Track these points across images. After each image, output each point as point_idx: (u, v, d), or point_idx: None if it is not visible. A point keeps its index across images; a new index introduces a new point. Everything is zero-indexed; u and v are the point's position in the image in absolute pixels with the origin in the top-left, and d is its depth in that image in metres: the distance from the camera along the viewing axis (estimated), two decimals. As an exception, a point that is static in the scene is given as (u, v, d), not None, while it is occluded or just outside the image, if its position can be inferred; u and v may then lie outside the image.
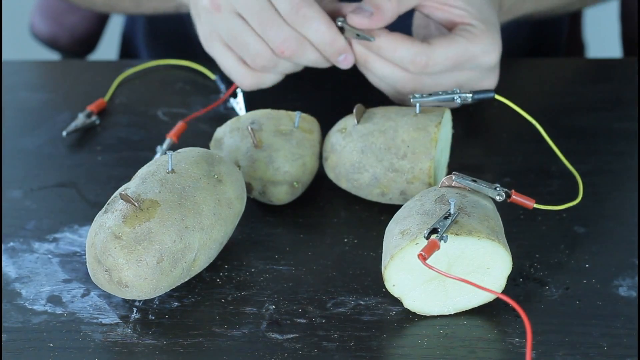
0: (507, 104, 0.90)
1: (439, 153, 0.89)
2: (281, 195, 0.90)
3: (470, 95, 0.89)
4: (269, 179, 0.89)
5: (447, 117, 0.91)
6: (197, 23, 0.98)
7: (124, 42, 1.42)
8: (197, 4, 0.96)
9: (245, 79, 0.97)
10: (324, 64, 0.95)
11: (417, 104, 0.89)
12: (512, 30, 1.14)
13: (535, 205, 0.83)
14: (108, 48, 1.60)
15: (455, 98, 0.89)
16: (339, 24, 0.93)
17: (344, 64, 0.94)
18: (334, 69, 1.00)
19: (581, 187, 0.89)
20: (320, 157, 0.93)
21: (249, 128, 0.89)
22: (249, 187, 0.90)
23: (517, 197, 0.83)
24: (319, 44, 0.93)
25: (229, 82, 1.04)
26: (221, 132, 0.93)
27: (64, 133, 1.01)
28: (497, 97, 0.89)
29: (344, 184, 0.90)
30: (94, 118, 1.04)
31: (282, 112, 0.92)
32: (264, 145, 0.90)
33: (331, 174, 0.91)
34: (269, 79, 0.97)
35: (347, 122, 0.91)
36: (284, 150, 0.90)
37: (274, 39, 0.92)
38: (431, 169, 0.87)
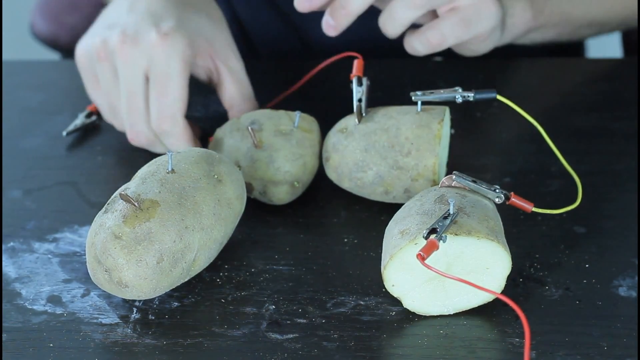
0: (507, 104, 0.90)
1: (441, 151, 0.89)
2: (282, 195, 0.90)
3: (472, 94, 0.89)
4: (269, 178, 0.89)
5: (447, 115, 0.91)
6: (82, 49, 0.97)
7: None
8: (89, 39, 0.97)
9: (117, 125, 0.98)
10: None
11: (419, 102, 0.89)
12: None
13: (534, 209, 0.84)
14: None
15: (456, 97, 0.89)
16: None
17: None
18: (333, 68, 1.00)
19: (580, 190, 0.89)
20: (320, 156, 0.93)
21: (249, 128, 0.89)
22: (249, 187, 0.90)
23: (516, 200, 0.83)
24: (168, 149, 0.94)
25: None
26: (221, 132, 0.93)
27: (64, 133, 1.01)
28: (499, 97, 0.90)
29: (346, 184, 0.90)
30: (94, 118, 1.04)
31: (282, 112, 0.92)
32: (264, 145, 0.90)
33: (333, 175, 0.91)
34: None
35: (348, 122, 0.91)
36: (284, 150, 0.90)
37: (129, 125, 0.94)
38: (435, 166, 0.87)
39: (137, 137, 0.94)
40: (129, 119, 0.94)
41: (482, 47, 1.00)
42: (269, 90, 1.02)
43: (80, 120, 1.03)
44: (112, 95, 0.96)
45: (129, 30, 0.93)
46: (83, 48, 0.97)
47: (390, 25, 0.95)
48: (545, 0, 1.04)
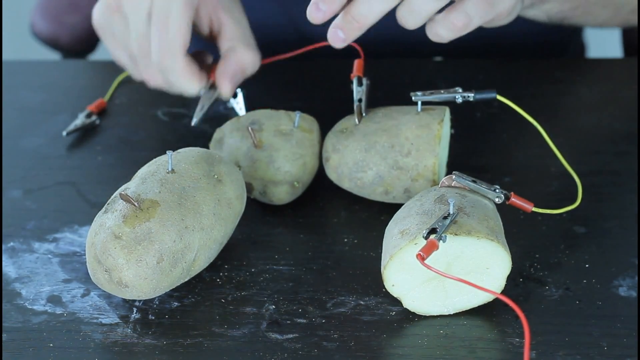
0: (507, 104, 0.90)
1: (441, 151, 0.89)
2: (282, 195, 0.90)
3: (472, 94, 0.89)
4: (269, 178, 0.89)
5: (447, 115, 0.91)
6: (96, 11, 0.98)
7: None
8: None
9: (136, 75, 0.99)
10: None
11: (419, 102, 0.89)
12: (515, 30, 1.14)
13: (534, 209, 0.84)
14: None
15: (456, 97, 0.89)
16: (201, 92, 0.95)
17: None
18: (333, 68, 1.00)
19: (580, 191, 0.89)
20: (320, 156, 0.93)
21: (249, 129, 0.89)
22: (249, 187, 0.90)
23: (516, 200, 0.83)
24: (179, 91, 0.96)
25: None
26: (221, 132, 0.93)
27: (64, 133, 1.01)
28: (499, 97, 0.89)
29: (346, 184, 0.90)
30: (94, 118, 1.04)
31: (282, 112, 0.92)
32: (264, 145, 0.90)
33: (333, 175, 0.91)
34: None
35: (348, 123, 0.91)
36: (284, 150, 0.90)
37: (142, 68, 0.95)
38: (435, 166, 0.87)
39: (152, 78, 0.95)
40: (142, 62, 0.95)
41: (504, 21, 0.97)
42: (269, 91, 1.02)
43: (80, 120, 1.03)
44: (128, 46, 0.96)
45: None
46: (97, 9, 0.98)
47: (411, 18, 0.90)
48: None
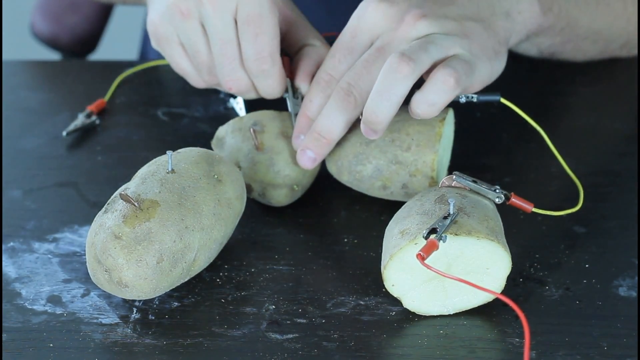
0: (507, 105, 0.90)
1: (442, 150, 0.90)
2: (281, 197, 0.90)
3: (476, 96, 0.89)
4: (269, 181, 0.89)
5: (451, 117, 0.91)
6: (157, 17, 0.93)
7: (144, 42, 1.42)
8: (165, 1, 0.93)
9: (199, 83, 0.95)
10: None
11: None
12: None
13: (534, 209, 0.84)
14: (108, 48, 1.60)
15: (460, 97, 0.89)
16: (285, 95, 0.93)
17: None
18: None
19: (582, 195, 0.89)
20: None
21: (252, 130, 0.89)
22: (248, 188, 0.90)
23: (516, 200, 0.83)
24: (264, 94, 0.93)
25: None
26: (223, 130, 0.93)
27: (64, 133, 1.01)
28: (502, 100, 0.89)
29: (345, 177, 0.90)
30: (94, 118, 1.04)
31: (285, 114, 0.92)
32: (265, 148, 0.89)
33: (333, 168, 0.91)
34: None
35: None
36: (285, 154, 0.89)
37: (226, 74, 0.92)
38: (434, 163, 0.87)
39: (237, 84, 0.91)
40: (225, 68, 0.91)
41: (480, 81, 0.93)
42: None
43: (80, 120, 1.03)
44: (201, 53, 0.92)
45: None
46: (156, 16, 0.93)
47: (382, 109, 0.87)
48: (553, 0, 1.03)
